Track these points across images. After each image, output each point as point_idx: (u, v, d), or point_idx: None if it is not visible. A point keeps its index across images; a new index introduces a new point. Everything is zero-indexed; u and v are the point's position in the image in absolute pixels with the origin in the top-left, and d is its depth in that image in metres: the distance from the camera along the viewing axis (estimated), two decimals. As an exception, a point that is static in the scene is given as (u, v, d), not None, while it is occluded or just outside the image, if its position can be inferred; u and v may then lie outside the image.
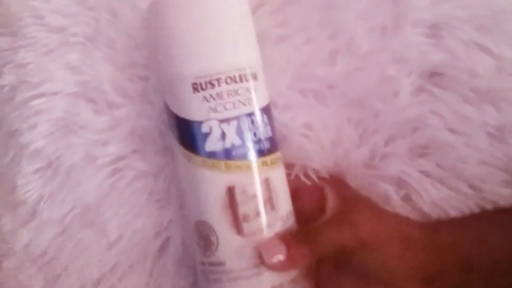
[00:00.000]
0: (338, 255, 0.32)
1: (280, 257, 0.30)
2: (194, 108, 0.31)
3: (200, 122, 0.31)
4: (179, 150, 0.32)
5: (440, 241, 0.33)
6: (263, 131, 0.31)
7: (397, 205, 0.36)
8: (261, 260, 0.30)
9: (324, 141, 0.37)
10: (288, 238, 0.31)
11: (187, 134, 0.31)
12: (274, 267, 0.30)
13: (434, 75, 0.36)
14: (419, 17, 0.35)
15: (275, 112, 0.36)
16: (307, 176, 0.36)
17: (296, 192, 0.34)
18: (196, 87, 0.30)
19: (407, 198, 0.36)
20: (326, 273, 0.34)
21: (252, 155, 0.31)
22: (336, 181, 0.37)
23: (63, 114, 0.38)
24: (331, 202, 0.34)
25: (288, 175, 0.34)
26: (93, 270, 0.38)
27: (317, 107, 0.37)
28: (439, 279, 0.32)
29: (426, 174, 0.36)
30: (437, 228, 0.35)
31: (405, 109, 0.36)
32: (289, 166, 0.35)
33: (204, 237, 0.31)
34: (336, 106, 0.37)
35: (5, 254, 0.40)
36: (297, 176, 0.36)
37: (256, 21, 0.36)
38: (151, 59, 0.37)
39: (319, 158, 0.37)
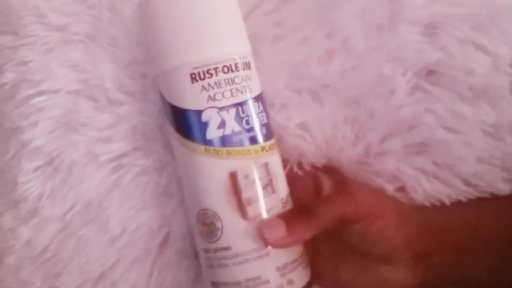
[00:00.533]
0: (334, 239, 0.33)
1: (281, 233, 0.30)
2: (193, 98, 0.31)
3: (200, 111, 0.31)
4: (178, 141, 0.32)
5: (434, 221, 0.34)
6: (260, 118, 0.32)
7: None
8: (263, 239, 0.30)
9: (320, 140, 0.37)
10: (287, 215, 0.32)
11: (187, 123, 0.32)
12: (276, 244, 0.31)
13: (430, 73, 0.36)
14: (415, 16, 0.35)
15: (271, 112, 0.36)
16: (300, 167, 0.37)
17: (290, 183, 0.34)
18: (194, 77, 0.31)
19: (401, 191, 0.37)
20: (323, 259, 0.35)
21: (251, 140, 0.32)
22: (330, 169, 0.37)
23: (64, 111, 0.38)
24: (327, 185, 0.35)
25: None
26: (95, 266, 0.38)
27: (313, 106, 0.37)
28: (430, 257, 0.33)
29: (422, 171, 0.36)
30: (431, 210, 0.36)
31: (401, 107, 0.36)
32: (282, 161, 0.35)
33: (208, 224, 0.32)
34: (332, 105, 0.37)
35: (6, 251, 0.39)
36: (290, 169, 0.37)
37: (253, 22, 0.36)
38: (145, 52, 0.37)
39: (314, 156, 0.37)
